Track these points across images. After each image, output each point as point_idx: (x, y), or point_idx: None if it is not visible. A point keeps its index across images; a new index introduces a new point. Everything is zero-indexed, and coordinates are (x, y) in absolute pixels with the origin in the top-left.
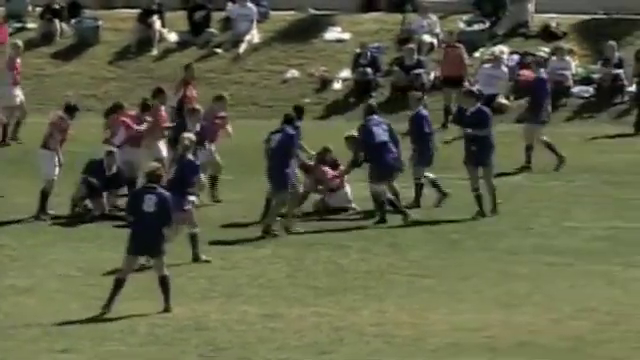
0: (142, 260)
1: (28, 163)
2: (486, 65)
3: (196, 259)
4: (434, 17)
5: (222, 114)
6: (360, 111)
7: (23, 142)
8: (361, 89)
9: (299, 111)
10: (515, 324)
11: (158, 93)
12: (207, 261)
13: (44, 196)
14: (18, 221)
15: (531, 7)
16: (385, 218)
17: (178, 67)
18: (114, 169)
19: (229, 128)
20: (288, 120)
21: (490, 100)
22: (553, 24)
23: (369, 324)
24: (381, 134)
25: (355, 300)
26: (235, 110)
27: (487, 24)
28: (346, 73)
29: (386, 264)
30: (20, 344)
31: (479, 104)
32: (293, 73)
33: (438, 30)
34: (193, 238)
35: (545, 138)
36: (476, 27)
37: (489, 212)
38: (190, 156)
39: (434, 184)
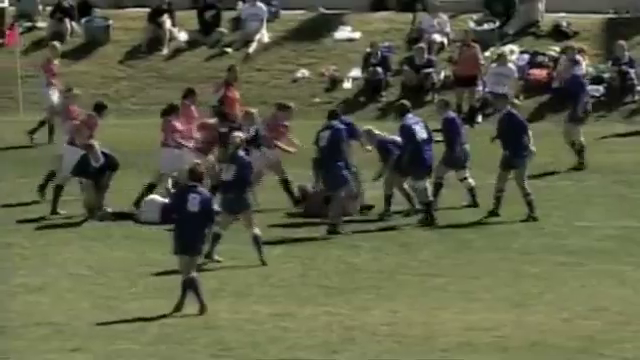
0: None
1: (41, 163)
2: (493, 64)
3: (263, 263)
4: (444, 16)
5: (285, 123)
6: (371, 110)
7: (35, 142)
8: (371, 88)
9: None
10: (526, 324)
11: (189, 93)
12: (218, 261)
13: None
14: (29, 220)
15: (541, 6)
16: (432, 217)
17: (188, 66)
18: (101, 159)
19: (295, 140)
20: (334, 116)
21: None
22: (563, 23)
23: (380, 323)
24: (421, 132)
25: (366, 299)
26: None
27: (497, 23)
28: (356, 72)
29: (397, 264)
30: (31, 343)
31: (509, 107)
32: (303, 72)
33: (448, 29)
34: (255, 239)
35: (582, 140)
36: (486, 26)
37: (528, 217)
38: (243, 153)
39: (470, 191)
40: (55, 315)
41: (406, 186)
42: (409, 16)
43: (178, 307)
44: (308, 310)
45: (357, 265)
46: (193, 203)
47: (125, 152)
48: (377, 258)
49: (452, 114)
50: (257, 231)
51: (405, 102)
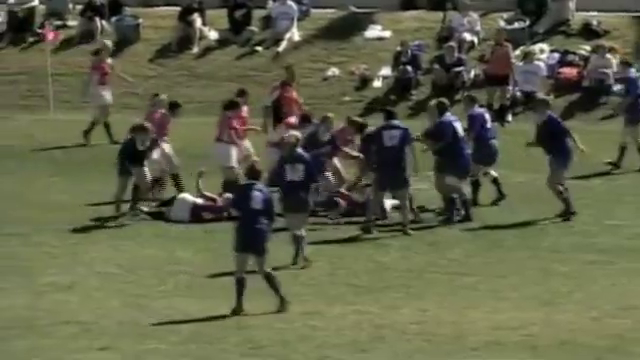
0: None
1: (71, 162)
2: (520, 63)
3: (295, 262)
4: (475, 15)
5: (350, 138)
6: (401, 109)
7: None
8: (401, 87)
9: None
10: (556, 322)
11: (241, 94)
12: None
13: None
14: (59, 219)
15: (572, 5)
16: (468, 215)
17: (218, 65)
18: (147, 143)
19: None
20: (392, 115)
21: (529, 98)
22: (594, 22)
23: (410, 322)
24: (460, 130)
25: (396, 298)
26: None
27: (527, 22)
28: (386, 71)
29: (426, 262)
30: (60, 341)
31: (549, 112)
32: (334, 71)
33: (479, 28)
34: (298, 239)
35: None
36: (516, 25)
37: (558, 216)
38: (303, 151)
39: (495, 182)
40: (83, 314)
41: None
42: (439, 15)
43: (236, 311)
44: (337, 309)
45: (386, 264)
46: (257, 201)
47: None
48: (406, 257)
49: (478, 110)
50: (303, 232)
51: (444, 100)
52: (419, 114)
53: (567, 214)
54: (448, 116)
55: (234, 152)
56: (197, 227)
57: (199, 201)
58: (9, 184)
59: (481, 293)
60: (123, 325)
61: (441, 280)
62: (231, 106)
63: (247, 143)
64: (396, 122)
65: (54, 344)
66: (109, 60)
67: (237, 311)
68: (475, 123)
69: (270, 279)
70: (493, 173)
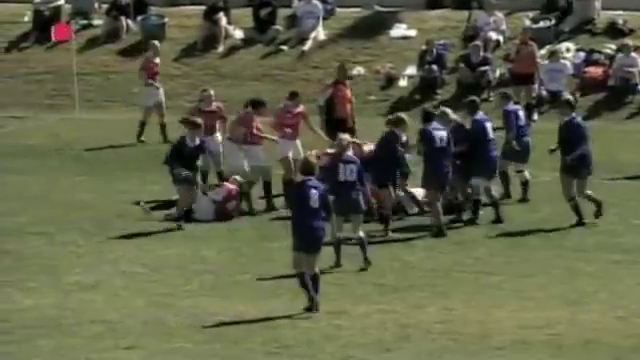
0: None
1: (97, 161)
2: (545, 62)
3: (368, 262)
4: (500, 14)
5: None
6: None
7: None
8: (427, 86)
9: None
10: (581, 322)
11: (293, 96)
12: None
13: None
14: (84, 218)
15: (597, 4)
16: (498, 217)
17: (243, 64)
18: (197, 140)
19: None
20: (431, 116)
21: (555, 97)
22: (620, 21)
23: (435, 321)
24: (491, 130)
25: (421, 297)
26: None
27: (553, 21)
28: (412, 70)
29: (452, 261)
30: (85, 341)
31: (573, 114)
32: (359, 70)
33: (504, 27)
34: (362, 242)
35: None
36: (542, 24)
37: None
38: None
39: (524, 185)
40: (109, 313)
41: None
42: (464, 14)
43: (310, 307)
44: (362, 308)
45: (411, 263)
46: (314, 199)
47: None
48: (431, 256)
49: (513, 106)
50: (362, 234)
51: (475, 99)
52: None
53: (579, 222)
54: (480, 115)
55: (262, 151)
56: (221, 226)
57: (215, 196)
58: (35, 183)
59: (506, 292)
60: (148, 324)
61: (466, 279)
62: (257, 105)
63: (298, 143)
64: (435, 123)
65: (80, 343)
66: (157, 59)
67: (311, 307)
68: (511, 118)
69: (316, 280)
70: (526, 175)
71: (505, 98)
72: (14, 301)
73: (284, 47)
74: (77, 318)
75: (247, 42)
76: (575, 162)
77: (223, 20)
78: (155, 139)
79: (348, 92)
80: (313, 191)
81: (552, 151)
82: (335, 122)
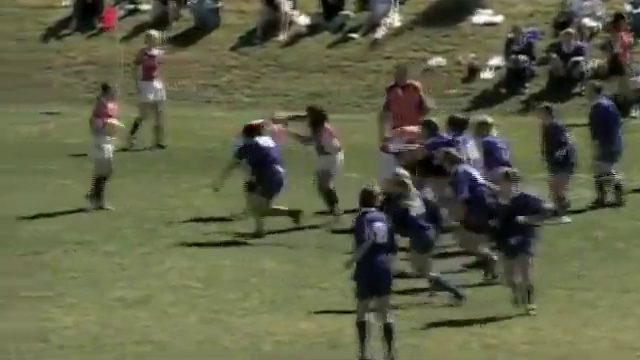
0: None
1: (141, 163)
2: None
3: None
4: None
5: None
6: (512, 103)
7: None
8: (514, 78)
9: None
10: None
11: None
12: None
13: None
14: (130, 226)
15: None
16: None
17: (308, 53)
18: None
19: None
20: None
21: None
22: None
23: (521, 342)
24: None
25: (507, 315)
26: (371, 102)
27: None
28: (497, 61)
29: (540, 276)
30: None
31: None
32: (438, 61)
33: (601, 13)
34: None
35: None
36: None
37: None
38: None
39: (617, 188)
40: (157, 332)
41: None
42: None
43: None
44: (445, 327)
45: (498, 278)
46: (381, 234)
47: None
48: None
49: (606, 101)
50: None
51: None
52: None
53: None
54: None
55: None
56: (281, 237)
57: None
58: (73, 187)
59: (602, 310)
60: (201, 345)
61: (557, 295)
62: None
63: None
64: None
65: None
66: (154, 51)
67: None
68: (608, 115)
69: (390, 331)
70: (618, 177)
71: (596, 91)
72: (52, 319)
73: (354, 35)
74: (121, 337)
75: (313, 29)
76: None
77: (286, 5)
78: (195, 139)
79: (414, 96)
80: (378, 224)
81: None
82: None
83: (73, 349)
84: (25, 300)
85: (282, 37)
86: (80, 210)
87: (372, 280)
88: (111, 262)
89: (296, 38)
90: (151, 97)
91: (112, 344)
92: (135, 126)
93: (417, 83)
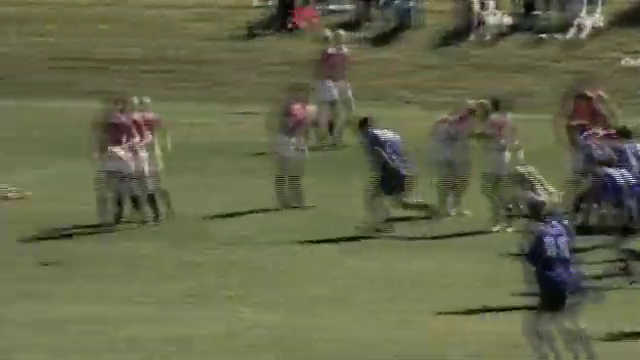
0: None
1: (331, 161)
2: None
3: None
4: None
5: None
6: None
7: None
8: None
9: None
10: None
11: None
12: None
13: None
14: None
15: None
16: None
17: (506, 53)
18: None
19: None
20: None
21: None
22: None
23: None
24: None
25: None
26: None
27: None
28: None
29: None
30: None
31: None
32: (627, 61)
33: None
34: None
35: None
36: None
37: None
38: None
39: None
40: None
41: None
42: None
43: None
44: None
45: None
46: (562, 248)
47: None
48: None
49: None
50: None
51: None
52: None
53: None
54: None
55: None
56: (483, 238)
57: None
58: (267, 187)
59: None
60: (393, 344)
61: None
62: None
63: None
64: None
65: None
66: (330, 50)
67: None
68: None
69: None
70: None
71: None
72: (242, 318)
73: (557, 36)
74: (314, 336)
75: (512, 28)
76: None
77: (480, 4)
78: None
79: (598, 107)
80: (561, 239)
81: None
82: None
83: (263, 348)
84: (217, 299)
85: (477, 37)
86: (271, 210)
87: (562, 298)
88: (303, 259)
89: (496, 38)
90: (328, 96)
91: (300, 344)
92: (330, 126)
93: (601, 92)
